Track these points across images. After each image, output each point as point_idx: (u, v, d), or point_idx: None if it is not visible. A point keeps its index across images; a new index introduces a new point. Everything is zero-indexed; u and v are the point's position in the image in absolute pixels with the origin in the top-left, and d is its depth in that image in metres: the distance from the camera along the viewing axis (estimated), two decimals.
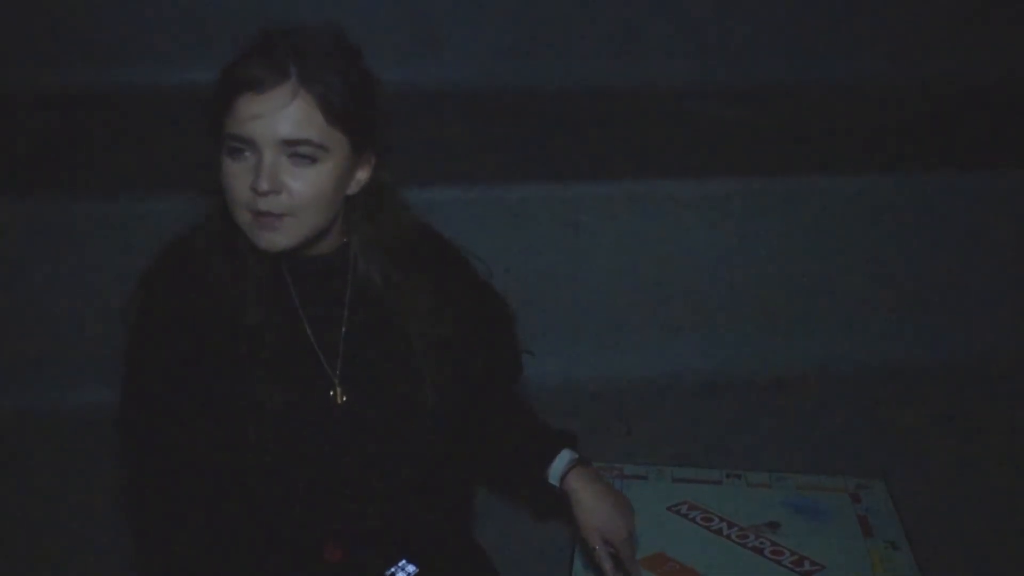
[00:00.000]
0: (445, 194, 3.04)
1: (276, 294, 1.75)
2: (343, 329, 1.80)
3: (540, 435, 2.07)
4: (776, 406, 3.13)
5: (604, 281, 3.25)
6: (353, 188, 1.73)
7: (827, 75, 4.30)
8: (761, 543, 2.44)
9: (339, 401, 1.78)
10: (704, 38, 4.29)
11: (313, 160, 1.62)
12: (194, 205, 1.83)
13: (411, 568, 1.81)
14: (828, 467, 2.77)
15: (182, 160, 3.15)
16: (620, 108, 4.01)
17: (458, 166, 3.19)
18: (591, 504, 2.00)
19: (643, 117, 3.95)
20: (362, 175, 1.74)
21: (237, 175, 1.62)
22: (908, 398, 3.18)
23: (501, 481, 2.50)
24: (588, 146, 3.58)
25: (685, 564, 2.35)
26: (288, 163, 1.61)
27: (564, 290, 3.21)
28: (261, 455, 1.70)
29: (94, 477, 2.54)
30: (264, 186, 1.59)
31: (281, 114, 1.59)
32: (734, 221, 3.26)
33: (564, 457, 2.02)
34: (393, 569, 1.81)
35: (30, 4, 3.90)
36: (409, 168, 1.81)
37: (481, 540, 2.06)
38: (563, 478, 2.00)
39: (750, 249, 3.28)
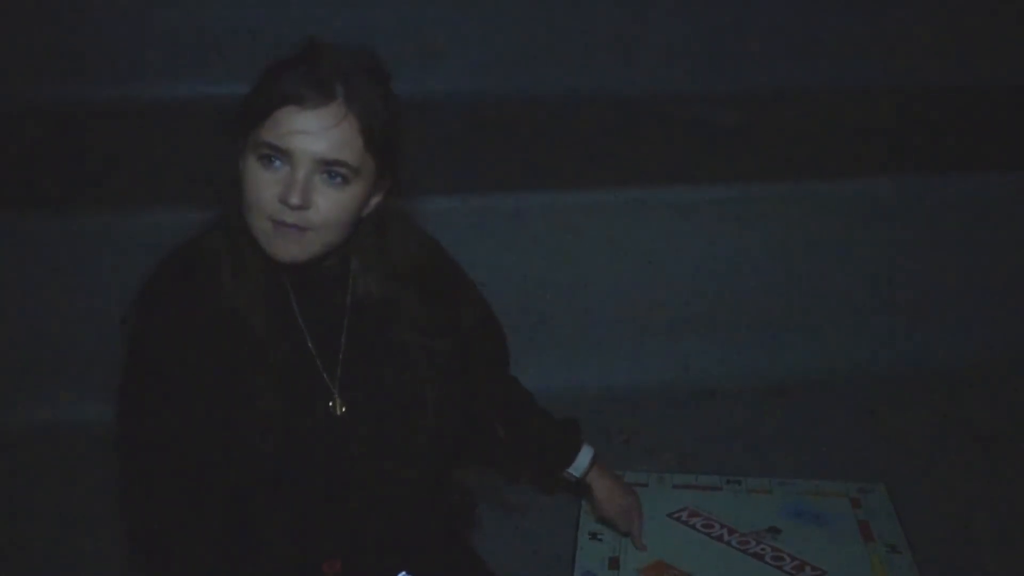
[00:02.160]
0: (443, 203, 3.04)
1: (278, 305, 1.76)
2: (343, 341, 1.81)
3: (558, 431, 2.26)
4: (776, 411, 3.14)
5: (603, 288, 3.25)
6: (367, 211, 1.74)
7: (823, 80, 4.30)
8: (762, 549, 2.44)
9: (338, 412, 1.78)
10: (700, 44, 4.29)
11: (345, 181, 1.63)
12: (192, 219, 1.83)
13: None
14: (828, 472, 2.78)
15: (180, 174, 3.18)
16: (617, 115, 4.02)
17: (456, 175, 3.20)
18: (608, 496, 2.32)
19: (640, 123, 3.95)
20: (376, 199, 1.75)
21: (267, 184, 1.62)
22: (908, 403, 3.18)
23: (518, 472, 2.58)
24: (585, 153, 3.59)
25: (686, 571, 2.35)
26: (319, 180, 1.62)
27: (562, 297, 3.21)
28: (260, 465, 1.70)
29: (93, 491, 2.53)
30: (296, 201, 1.60)
31: (325, 134, 1.60)
32: (732, 227, 3.27)
33: (586, 455, 2.26)
34: None
35: (25, 18, 3.90)
36: (407, 177, 1.81)
37: (480, 551, 2.06)
38: (585, 473, 2.26)
39: (749, 255, 3.28)
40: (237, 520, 1.73)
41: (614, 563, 2.40)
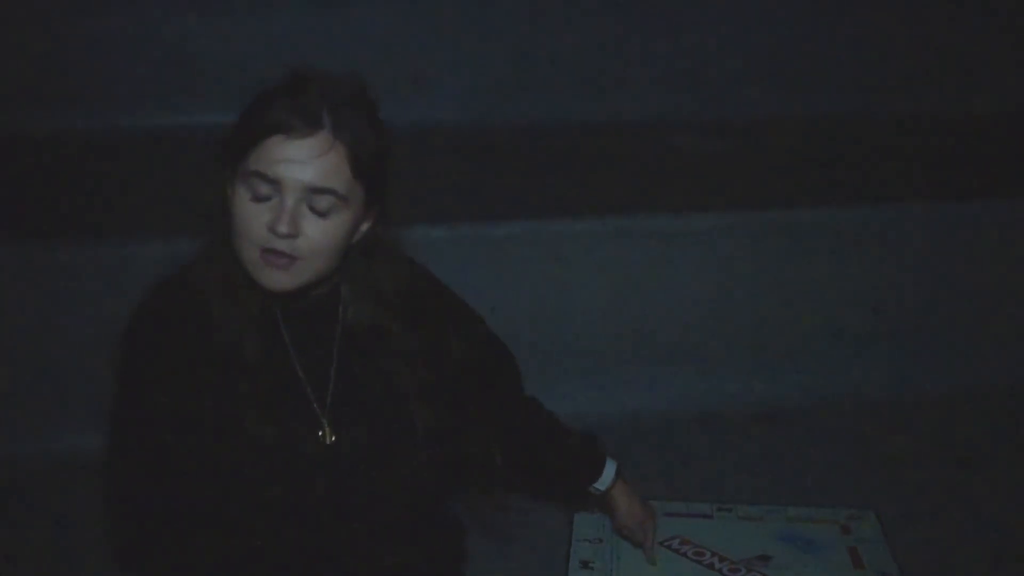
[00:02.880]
0: (430, 232, 3.04)
1: (267, 333, 1.76)
2: (333, 369, 1.80)
3: (583, 447, 2.28)
4: (766, 439, 3.13)
5: (591, 317, 3.25)
6: (356, 238, 1.75)
7: (809, 107, 4.32)
8: None
9: (327, 441, 1.78)
10: (687, 72, 4.31)
11: (333, 209, 1.64)
12: (183, 248, 1.83)
13: None
14: (819, 499, 2.77)
15: (169, 203, 3.17)
16: (604, 143, 4.03)
17: (443, 204, 3.20)
18: (628, 508, 2.36)
19: (627, 152, 3.96)
20: (364, 226, 1.76)
21: (255, 213, 1.63)
22: (898, 429, 3.18)
23: (542, 486, 2.58)
24: (573, 182, 3.59)
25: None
26: (307, 209, 1.63)
27: (551, 327, 3.21)
28: (249, 493, 1.70)
29: (82, 521, 2.52)
30: (284, 230, 1.60)
31: (313, 163, 1.61)
32: (720, 255, 3.27)
33: (611, 468, 2.29)
34: None
35: (11, 48, 3.90)
36: (394, 207, 1.82)
37: None
38: (610, 488, 2.30)
39: (737, 283, 3.29)
40: (226, 548, 1.72)
41: None
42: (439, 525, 1.94)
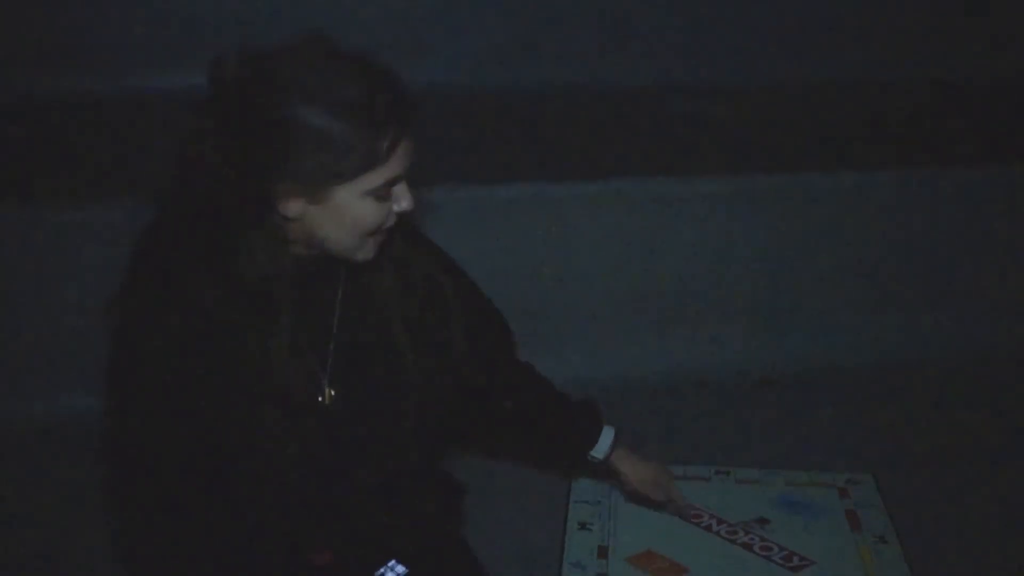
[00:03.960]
0: (432, 195, 3.04)
1: (276, 292, 1.74)
2: (334, 332, 1.81)
3: (579, 414, 2.27)
4: (764, 403, 3.15)
5: (591, 281, 3.26)
6: None
7: (813, 72, 4.30)
8: (751, 539, 2.45)
9: (327, 401, 1.78)
10: (689, 37, 4.29)
11: None
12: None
13: (400, 569, 1.82)
14: (817, 463, 2.78)
15: (168, 165, 3.17)
16: (607, 107, 4.02)
17: (445, 167, 3.19)
18: (633, 471, 2.33)
19: (629, 116, 3.95)
20: None
21: (382, 211, 1.65)
22: (896, 394, 3.19)
23: (538, 453, 2.60)
24: (574, 146, 3.59)
25: (675, 561, 2.36)
26: None
27: (552, 289, 3.21)
28: (250, 453, 1.70)
29: (79, 483, 2.52)
30: (412, 204, 1.67)
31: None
32: (721, 219, 3.27)
33: (608, 436, 2.27)
34: (382, 570, 1.82)
35: (9, 10, 3.89)
36: None
37: (470, 540, 2.07)
38: (608, 454, 2.27)
39: (738, 247, 3.29)
40: (226, 511, 1.73)
41: (602, 552, 2.41)
42: (436, 485, 1.94)
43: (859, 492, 2.65)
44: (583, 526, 2.50)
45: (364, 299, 1.81)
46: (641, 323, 3.30)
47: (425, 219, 2.00)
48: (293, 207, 1.60)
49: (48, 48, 3.92)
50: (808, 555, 2.39)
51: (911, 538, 2.47)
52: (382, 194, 1.63)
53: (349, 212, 1.62)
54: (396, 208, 1.66)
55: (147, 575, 1.79)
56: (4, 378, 3.01)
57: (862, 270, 3.37)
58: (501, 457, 2.71)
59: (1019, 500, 2.69)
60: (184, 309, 1.66)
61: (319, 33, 1.64)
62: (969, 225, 3.40)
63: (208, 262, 1.65)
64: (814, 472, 2.73)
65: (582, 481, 2.62)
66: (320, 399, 1.77)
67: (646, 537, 2.44)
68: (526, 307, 3.08)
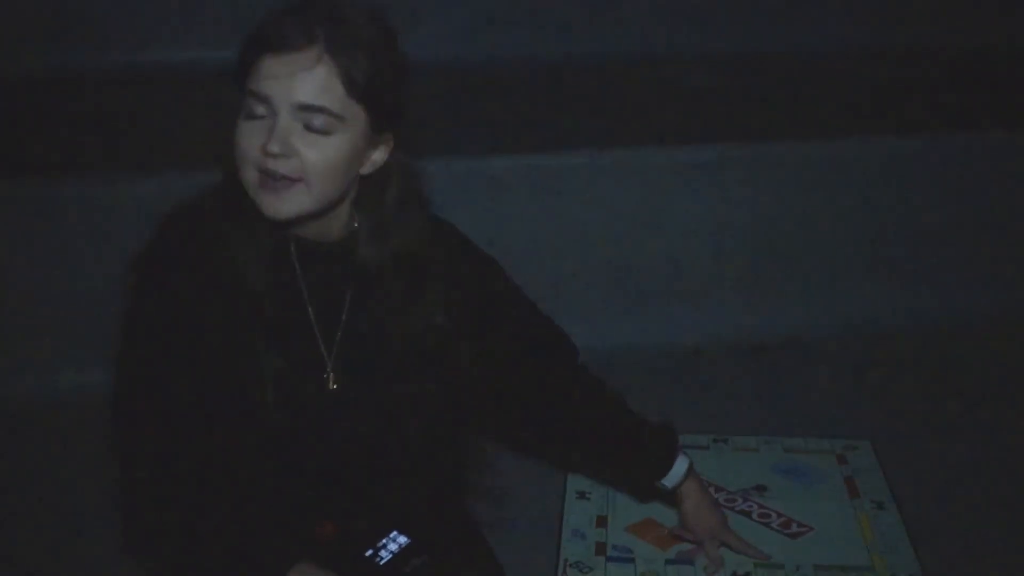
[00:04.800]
0: (426, 167, 3.02)
1: (283, 275, 1.73)
2: (344, 315, 1.80)
3: (654, 439, 2.20)
4: (762, 370, 3.15)
5: (586, 251, 3.26)
6: (367, 168, 1.71)
7: (804, 41, 4.30)
8: (749, 506, 2.46)
9: (331, 386, 1.78)
10: (680, 5, 4.28)
11: (328, 130, 1.60)
12: (181, 186, 1.81)
13: (402, 539, 1.82)
14: (815, 430, 2.79)
15: (167, 141, 3.17)
16: (597, 78, 4.01)
17: (439, 139, 3.18)
18: (695, 512, 2.24)
19: (621, 86, 3.95)
20: (378, 156, 1.71)
21: (250, 133, 1.60)
22: (893, 361, 3.20)
23: (602, 476, 2.54)
24: (568, 116, 3.58)
25: (674, 529, 2.36)
26: (302, 129, 1.59)
27: (547, 261, 3.21)
28: (255, 427, 1.70)
29: (84, 458, 2.53)
30: (275, 148, 1.57)
31: (300, 77, 1.57)
32: (715, 188, 3.27)
33: (682, 466, 2.20)
34: (384, 540, 1.81)
35: None
36: (413, 139, 1.79)
37: (473, 511, 2.07)
38: (679, 485, 2.21)
39: (732, 215, 3.29)
40: (230, 484, 1.72)
41: (602, 521, 2.42)
42: (442, 460, 1.93)
43: (857, 459, 2.66)
44: (582, 495, 2.51)
45: (377, 282, 1.79)
46: (636, 292, 3.30)
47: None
48: None
49: (48, 25, 3.92)
50: (806, 522, 2.40)
51: (909, 504, 2.48)
52: (252, 109, 1.60)
53: (236, 127, 1.63)
54: (265, 144, 1.59)
55: (150, 549, 1.80)
56: (16, 352, 3.01)
57: (858, 237, 3.37)
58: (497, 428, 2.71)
59: (1017, 465, 2.69)
60: (189, 289, 1.67)
61: None
62: (966, 193, 3.41)
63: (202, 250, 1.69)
64: (812, 439, 2.74)
65: None
66: (325, 379, 1.77)
67: (646, 505, 2.44)
68: (521, 278, 3.07)
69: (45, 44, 3.91)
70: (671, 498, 2.28)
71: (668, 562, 2.28)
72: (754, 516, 2.42)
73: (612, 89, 3.90)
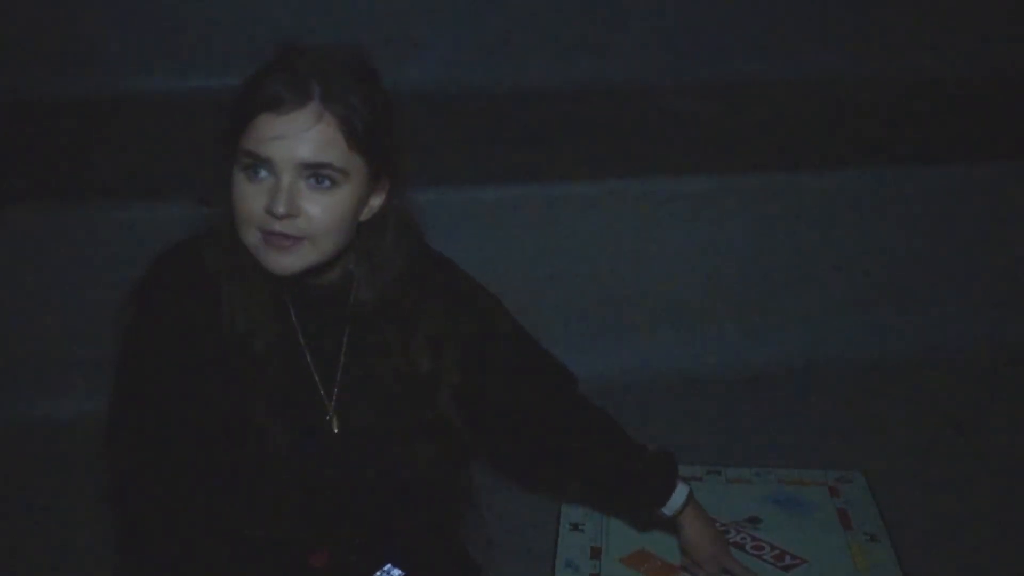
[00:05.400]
0: (420, 196, 3.02)
1: (278, 319, 1.73)
2: (342, 358, 1.79)
3: (653, 467, 2.22)
4: (754, 402, 3.15)
5: (581, 280, 3.25)
6: (366, 214, 1.70)
7: (802, 70, 4.32)
8: (742, 538, 2.46)
9: (334, 430, 1.78)
10: (676, 35, 4.30)
11: (332, 185, 1.59)
12: (183, 213, 1.81)
13: (396, 572, 1.82)
14: (808, 461, 2.79)
15: (170, 168, 3.17)
16: (595, 106, 4.02)
17: (433, 168, 3.18)
18: (698, 539, 2.25)
19: (617, 115, 3.96)
20: (375, 201, 1.71)
21: (251, 195, 1.59)
22: (886, 392, 3.20)
23: (601, 503, 2.54)
24: (563, 145, 3.59)
25: (668, 561, 2.36)
26: (305, 186, 1.58)
27: (540, 290, 3.20)
28: (253, 475, 1.69)
29: (83, 485, 2.52)
30: (282, 210, 1.56)
31: (303, 136, 1.56)
32: (710, 218, 3.27)
33: (682, 494, 2.21)
34: (379, 574, 1.81)
35: (6, 13, 3.87)
36: (406, 180, 1.79)
37: (468, 544, 2.07)
38: (678, 513, 2.22)
39: (726, 246, 3.29)
40: (225, 517, 1.72)
41: (595, 552, 2.41)
42: (437, 493, 1.93)
43: (850, 490, 2.66)
44: (575, 527, 2.51)
45: (374, 321, 1.79)
46: (631, 322, 3.30)
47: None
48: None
49: (31, 52, 3.91)
50: (799, 554, 2.40)
51: (902, 536, 2.49)
52: (247, 165, 1.59)
53: (233, 185, 1.61)
54: (269, 206, 1.58)
55: (145, 571, 1.79)
56: (4, 380, 3.00)
57: (851, 268, 3.37)
58: (495, 458, 2.71)
59: (1011, 497, 2.69)
60: (187, 324, 1.67)
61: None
62: (957, 222, 3.41)
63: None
64: (805, 471, 2.74)
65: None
66: (327, 422, 1.77)
67: (640, 537, 2.44)
68: (516, 308, 3.07)
69: (31, 70, 3.91)
70: (671, 526, 2.28)
71: None
72: (748, 548, 2.42)
73: (608, 118, 3.91)
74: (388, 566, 1.82)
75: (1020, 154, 3.58)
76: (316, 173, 1.58)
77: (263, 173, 1.58)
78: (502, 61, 4.18)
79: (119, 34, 3.98)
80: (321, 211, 1.59)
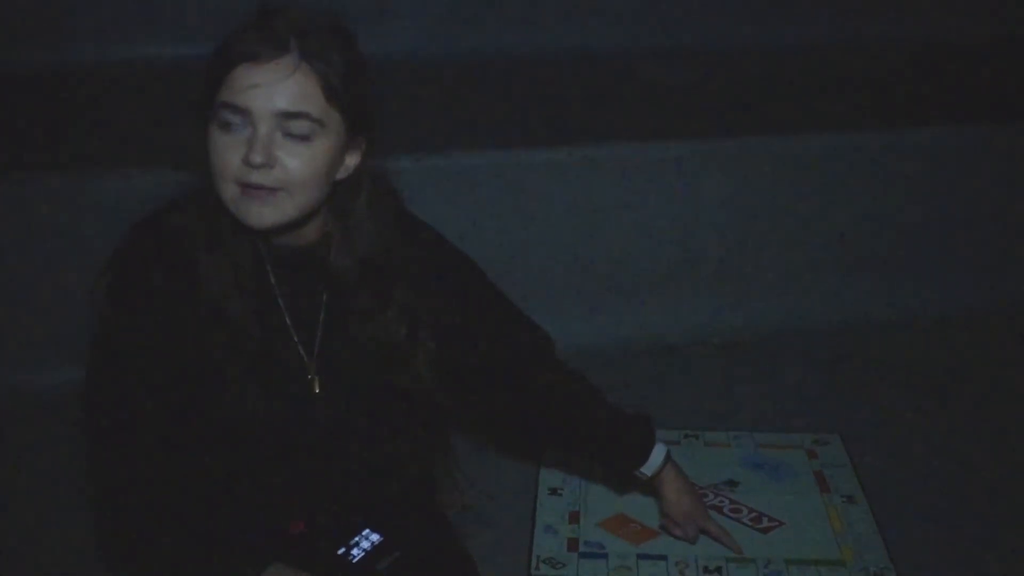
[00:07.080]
0: (396, 163, 3.01)
1: (256, 281, 1.73)
2: (321, 318, 1.79)
3: (631, 428, 2.22)
4: (732, 366, 3.16)
5: (558, 247, 3.25)
6: (341, 173, 1.70)
7: (777, 37, 4.31)
8: (720, 501, 2.47)
9: (314, 391, 1.78)
10: (655, 2, 4.28)
11: (309, 137, 1.59)
12: (159, 182, 1.80)
13: (374, 537, 1.82)
14: (785, 425, 2.81)
15: (141, 138, 3.15)
16: (570, 73, 4.01)
17: (409, 134, 3.17)
18: (677, 498, 2.26)
19: (594, 82, 3.94)
20: (351, 160, 1.70)
21: (228, 147, 1.58)
22: (863, 355, 3.21)
23: (581, 460, 2.54)
24: (539, 112, 3.57)
25: (646, 524, 2.37)
26: (282, 138, 1.58)
27: (516, 257, 3.20)
28: (232, 440, 1.69)
29: (58, 456, 2.51)
30: (258, 159, 1.55)
31: (280, 86, 1.56)
32: (685, 184, 3.27)
33: (660, 454, 2.22)
34: (356, 538, 1.82)
35: None
36: (381, 143, 1.79)
37: (446, 509, 2.07)
38: (657, 472, 2.22)
39: (702, 211, 3.29)
40: (202, 484, 1.72)
41: (574, 517, 2.42)
42: (413, 457, 1.93)
43: (827, 453, 2.67)
44: (554, 491, 2.51)
45: (353, 283, 1.78)
46: (608, 289, 3.30)
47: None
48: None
49: (24, 20, 3.88)
50: (777, 516, 2.42)
51: (879, 498, 2.50)
52: (224, 121, 1.58)
53: (210, 139, 1.61)
54: (246, 156, 1.58)
55: (124, 552, 1.79)
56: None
57: (828, 233, 3.38)
58: (474, 423, 2.71)
59: (986, 459, 2.71)
60: (163, 291, 1.67)
61: None
62: (936, 187, 3.42)
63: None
64: (782, 434, 2.75)
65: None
66: (308, 384, 1.78)
67: (618, 501, 2.45)
68: (492, 275, 3.07)
69: (6, 41, 3.87)
70: (650, 487, 2.29)
71: (640, 556, 2.29)
72: (725, 511, 2.43)
73: (585, 85, 3.90)
74: (366, 531, 1.82)
75: (995, 118, 3.59)
76: (293, 123, 1.58)
77: (237, 123, 1.58)
78: (475, 28, 4.16)
79: (92, 3, 3.94)
80: (298, 162, 1.59)
